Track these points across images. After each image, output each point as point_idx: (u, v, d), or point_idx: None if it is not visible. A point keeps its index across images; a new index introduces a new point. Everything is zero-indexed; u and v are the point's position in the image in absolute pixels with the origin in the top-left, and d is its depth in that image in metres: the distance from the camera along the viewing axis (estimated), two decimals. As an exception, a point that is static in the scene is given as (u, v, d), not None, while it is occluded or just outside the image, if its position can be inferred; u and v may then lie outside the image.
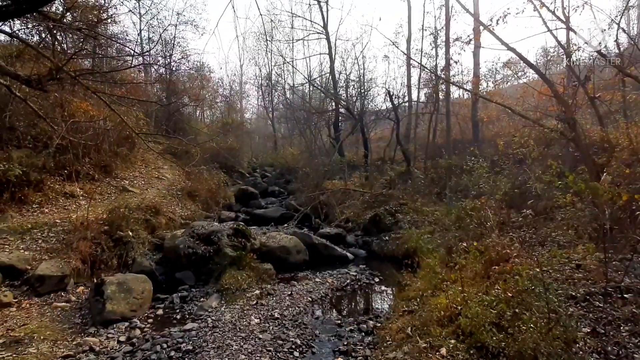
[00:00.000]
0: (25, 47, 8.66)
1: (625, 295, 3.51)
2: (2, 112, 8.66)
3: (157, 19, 18.89)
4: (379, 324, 4.37)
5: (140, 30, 18.41)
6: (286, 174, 19.09)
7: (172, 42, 18.24)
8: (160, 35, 16.18)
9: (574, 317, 3.32)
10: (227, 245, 6.49)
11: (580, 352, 2.88)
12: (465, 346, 3.21)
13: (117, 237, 6.68)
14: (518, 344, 2.92)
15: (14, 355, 3.60)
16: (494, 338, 3.06)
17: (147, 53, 12.29)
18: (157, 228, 8.12)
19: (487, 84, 16.65)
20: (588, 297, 3.62)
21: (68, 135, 8.33)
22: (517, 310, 3.27)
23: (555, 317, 3.07)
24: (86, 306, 4.85)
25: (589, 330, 3.15)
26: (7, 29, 8.04)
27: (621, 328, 3.15)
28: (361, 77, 17.75)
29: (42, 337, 4.00)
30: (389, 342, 3.70)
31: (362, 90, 17.08)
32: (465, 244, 4.77)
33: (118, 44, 11.37)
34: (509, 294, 3.60)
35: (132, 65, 9.02)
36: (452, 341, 3.31)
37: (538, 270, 3.38)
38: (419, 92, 17.06)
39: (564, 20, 5.23)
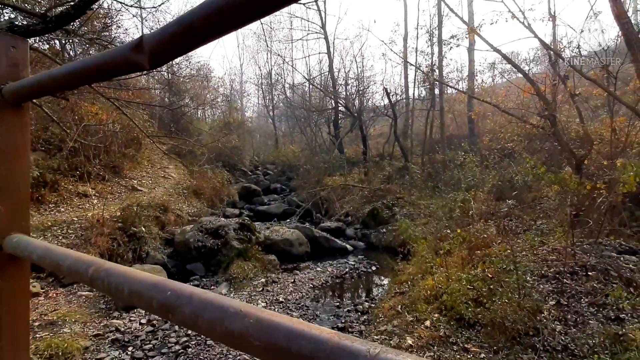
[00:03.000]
0: (37, 54, 9.16)
1: (589, 273, 3.96)
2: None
3: (158, 21, 19.31)
4: (374, 305, 4.84)
5: (142, 32, 18.89)
6: (287, 172, 19.52)
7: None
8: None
9: (543, 292, 3.79)
10: (233, 238, 6.96)
11: (544, 320, 3.33)
12: (447, 319, 3.67)
13: (131, 232, 7.17)
14: (490, 314, 3.39)
15: (51, 334, 4.09)
16: (470, 310, 3.52)
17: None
18: (166, 224, 8.61)
19: (482, 79, 17.01)
20: (557, 276, 4.07)
21: (79, 138, 8.82)
22: (492, 286, 3.73)
23: (522, 292, 3.53)
24: (108, 294, 5.33)
25: (554, 303, 3.61)
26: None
27: (582, 300, 3.61)
28: (359, 75, 18.16)
29: (73, 320, 4.49)
30: (381, 319, 4.17)
31: (361, 88, 17.49)
32: (449, 232, 5.22)
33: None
34: (489, 275, 4.06)
35: (144, 73, 9.44)
36: (436, 315, 3.78)
37: (510, 251, 3.83)
38: (414, 90, 17.45)
39: (533, 30, 5.64)
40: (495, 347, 3.14)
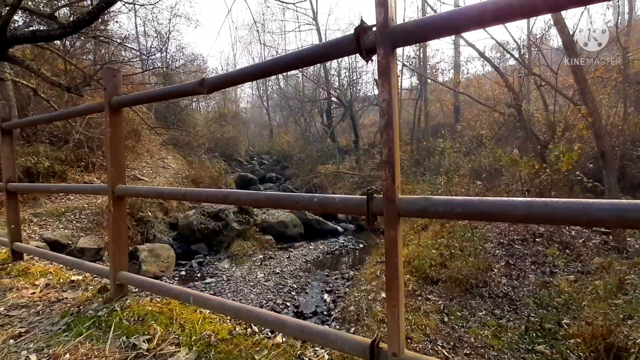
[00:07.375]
0: (40, 50, 9.64)
1: (537, 240, 4.69)
2: (25, 110, 9.63)
3: (152, 13, 19.61)
4: (358, 273, 5.56)
5: (136, 25, 19.22)
6: (282, 161, 20.10)
7: (167, 35, 19.03)
8: (168, 38, 17.12)
9: (497, 255, 4.51)
10: (233, 220, 7.62)
11: (493, 275, 4.06)
12: (416, 278, 4.39)
13: (138, 217, 7.79)
14: (449, 272, 4.11)
15: (80, 300, 4.76)
16: (434, 270, 4.24)
17: (153, 54, 13.19)
18: (169, 210, 9.24)
19: (469, 69, 17.58)
20: (511, 243, 4.80)
21: (83, 130, 9.38)
22: (453, 251, 4.45)
23: (479, 255, 4.25)
24: (124, 269, 6.00)
25: (504, 263, 4.34)
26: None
27: (527, 260, 4.34)
28: (351, 66, 18.64)
29: (96, 289, 5.16)
30: (362, 282, 4.88)
31: (353, 79, 18.01)
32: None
33: (121, 44, 12.24)
34: (455, 243, 4.78)
35: (147, 69, 9.93)
36: (407, 276, 4.49)
37: (469, 223, 4.54)
38: (402, 80, 17.99)
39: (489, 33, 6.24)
40: (450, 297, 3.86)
